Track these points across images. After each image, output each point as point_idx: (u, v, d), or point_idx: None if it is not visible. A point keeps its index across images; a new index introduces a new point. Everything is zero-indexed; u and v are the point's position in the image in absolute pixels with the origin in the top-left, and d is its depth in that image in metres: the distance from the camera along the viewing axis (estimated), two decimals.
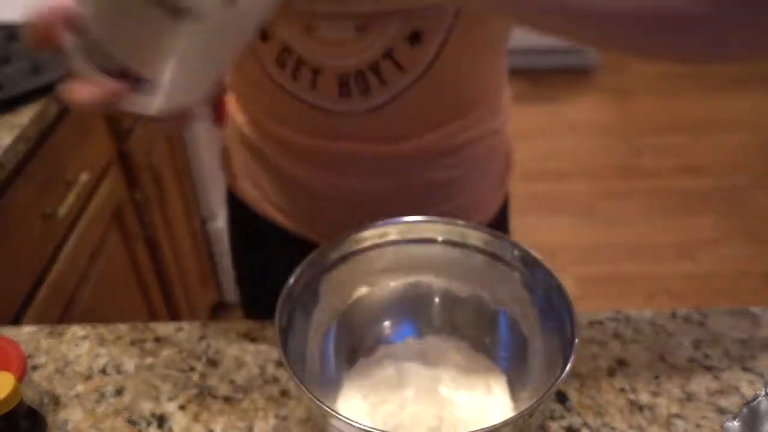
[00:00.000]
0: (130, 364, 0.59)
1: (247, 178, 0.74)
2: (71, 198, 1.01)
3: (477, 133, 0.66)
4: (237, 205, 0.78)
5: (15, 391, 0.46)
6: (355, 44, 0.55)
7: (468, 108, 0.64)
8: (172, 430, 0.53)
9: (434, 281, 0.57)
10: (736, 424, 0.49)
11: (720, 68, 3.14)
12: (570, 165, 2.49)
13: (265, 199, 0.73)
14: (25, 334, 0.63)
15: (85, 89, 0.37)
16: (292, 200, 0.71)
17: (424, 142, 0.63)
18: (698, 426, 0.52)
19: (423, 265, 0.57)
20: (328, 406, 0.41)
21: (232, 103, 0.71)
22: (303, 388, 0.42)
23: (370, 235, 0.55)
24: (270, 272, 0.65)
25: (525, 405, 0.47)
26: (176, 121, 0.41)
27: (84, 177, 1.05)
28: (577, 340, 0.45)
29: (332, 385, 0.53)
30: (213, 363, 0.59)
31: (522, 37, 0.71)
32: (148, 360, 0.60)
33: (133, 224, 1.28)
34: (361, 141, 0.62)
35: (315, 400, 0.41)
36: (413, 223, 0.56)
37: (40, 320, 0.93)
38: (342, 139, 0.63)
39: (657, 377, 0.56)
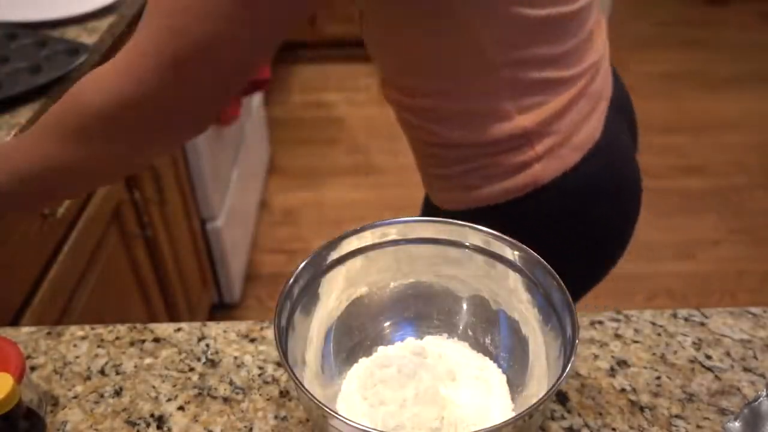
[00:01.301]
0: (129, 365, 0.59)
1: None
2: None
3: None
4: None
5: (13, 392, 0.46)
6: None
7: None
8: (171, 430, 0.53)
9: (434, 281, 0.57)
10: (737, 424, 0.49)
11: (720, 68, 3.15)
12: None
13: None
14: (23, 334, 0.62)
15: None
16: None
17: None
18: (699, 427, 0.52)
19: (423, 265, 0.57)
20: (327, 407, 0.41)
21: None
22: (303, 388, 0.42)
23: (370, 235, 0.55)
24: None
25: (525, 405, 0.47)
26: None
27: None
28: (577, 340, 0.45)
29: (332, 385, 0.53)
30: (212, 363, 0.59)
31: None
32: (147, 360, 0.60)
33: (133, 224, 1.27)
34: None
35: (315, 400, 0.41)
36: (413, 223, 0.56)
37: (39, 321, 0.93)
38: None
39: (658, 378, 0.56)
